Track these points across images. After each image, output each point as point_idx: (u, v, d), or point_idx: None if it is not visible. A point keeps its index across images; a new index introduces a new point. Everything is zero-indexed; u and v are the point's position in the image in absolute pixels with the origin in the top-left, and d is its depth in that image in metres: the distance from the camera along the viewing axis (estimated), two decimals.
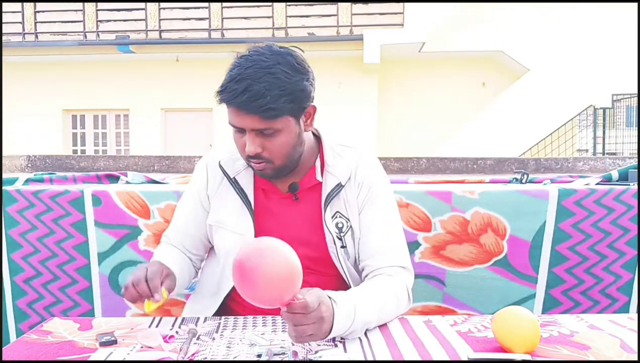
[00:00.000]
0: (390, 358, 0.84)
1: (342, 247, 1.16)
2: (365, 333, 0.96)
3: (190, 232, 1.25)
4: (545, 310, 1.54)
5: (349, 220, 1.17)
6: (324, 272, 1.19)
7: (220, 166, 1.20)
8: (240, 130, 1.08)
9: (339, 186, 1.17)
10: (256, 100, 1.02)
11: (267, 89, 1.02)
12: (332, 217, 1.16)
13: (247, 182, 1.19)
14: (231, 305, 1.22)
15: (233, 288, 1.19)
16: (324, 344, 0.91)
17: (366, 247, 1.17)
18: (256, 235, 1.16)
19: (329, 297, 0.92)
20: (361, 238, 1.18)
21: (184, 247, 1.26)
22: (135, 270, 1.03)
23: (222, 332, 0.98)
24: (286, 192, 1.18)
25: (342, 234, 1.16)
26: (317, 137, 1.22)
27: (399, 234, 1.20)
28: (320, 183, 1.18)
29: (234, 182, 1.19)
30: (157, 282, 1.01)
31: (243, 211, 1.17)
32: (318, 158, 1.20)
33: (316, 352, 0.87)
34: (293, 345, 0.90)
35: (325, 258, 1.17)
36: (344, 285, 1.19)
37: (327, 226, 1.16)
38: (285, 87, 1.04)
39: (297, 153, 1.13)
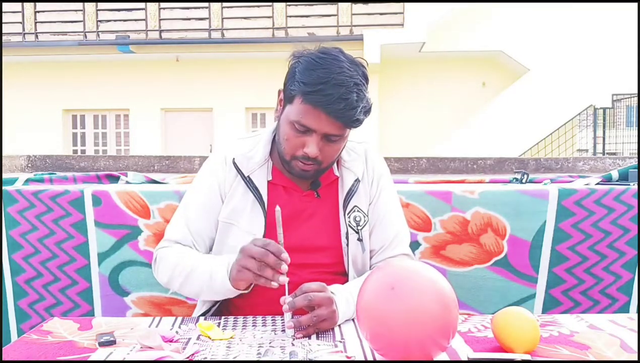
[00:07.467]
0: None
1: (359, 240, 1.18)
2: None
3: (203, 227, 1.19)
4: (545, 310, 1.54)
5: (366, 215, 1.20)
6: (336, 270, 1.19)
7: (235, 164, 1.19)
8: (306, 131, 1.08)
9: (357, 181, 1.20)
10: (350, 110, 1.03)
11: (357, 101, 1.04)
12: (351, 211, 1.19)
13: (261, 181, 1.18)
14: (234, 302, 1.19)
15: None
16: (324, 344, 0.91)
17: (379, 238, 1.21)
18: (266, 234, 1.16)
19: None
20: (373, 230, 1.21)
21: (194, 245, 1.20)
22: (243, 252, 0.98)
23: (222, 331, 0.97)
24: (307, 190, 1.19)
25: (359, 228, 1.19)
26: None
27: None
28: (337, 178, 1.21)
29: (249, 181, 1.18)
30: (279, 247, 0.96)
31: (256, 209, 1.17)
32: None
33: (316, 352, 0.87)
34: (293, 345, 0.90)
35: (339, 254, 1.19)
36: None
37: (344, 221, 1.18)
38: (366, 101, 1.07)
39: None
